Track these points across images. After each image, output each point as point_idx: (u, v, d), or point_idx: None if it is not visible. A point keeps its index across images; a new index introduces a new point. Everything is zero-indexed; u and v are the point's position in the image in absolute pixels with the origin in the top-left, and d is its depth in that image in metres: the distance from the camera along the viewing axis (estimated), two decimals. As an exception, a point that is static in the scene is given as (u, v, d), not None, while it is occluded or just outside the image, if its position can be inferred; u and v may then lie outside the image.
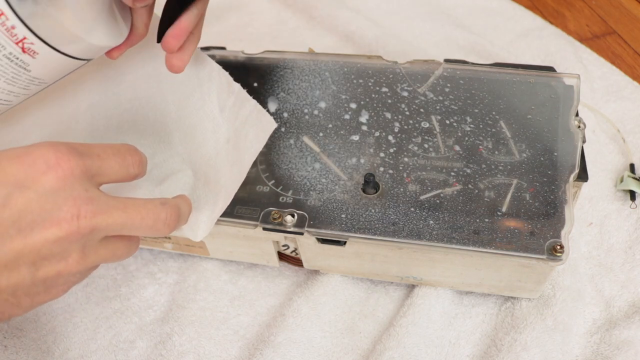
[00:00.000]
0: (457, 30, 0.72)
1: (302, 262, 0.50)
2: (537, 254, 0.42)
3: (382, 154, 0.47)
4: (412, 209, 0.44)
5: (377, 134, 0.49)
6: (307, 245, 0.46)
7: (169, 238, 0.51)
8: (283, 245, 0.49)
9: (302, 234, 0.44)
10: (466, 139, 0.48)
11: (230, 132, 0.45)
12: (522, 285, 0.46)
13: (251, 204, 0.46)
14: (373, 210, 0.45)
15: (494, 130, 0.48)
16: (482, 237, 0.43)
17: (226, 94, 0.45)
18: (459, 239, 0.43)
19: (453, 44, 0.71)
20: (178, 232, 0.42)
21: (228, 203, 0.43)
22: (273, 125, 0.44)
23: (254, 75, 0.53)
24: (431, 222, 0.44)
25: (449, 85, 0.50)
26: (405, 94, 0.50)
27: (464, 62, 0.52)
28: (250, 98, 0.45)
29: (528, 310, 0.47)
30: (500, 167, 0.46)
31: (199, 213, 0.43)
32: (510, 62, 0.52)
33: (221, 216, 0.45)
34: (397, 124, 0.49)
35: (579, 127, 0.47)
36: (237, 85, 0.45)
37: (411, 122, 0.49)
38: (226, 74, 0.45)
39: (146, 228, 0.33)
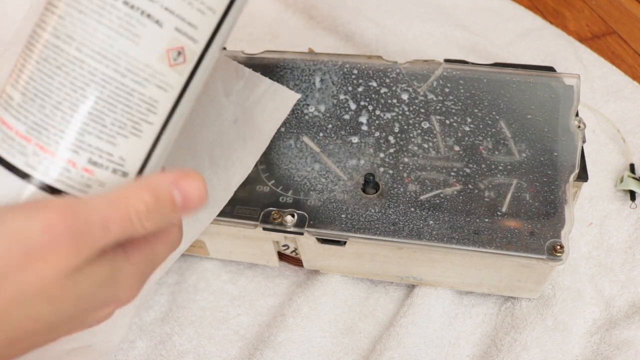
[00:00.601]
0: (457, 30, 0.71)
1: (302, 262, 0.50)
2: (537, 254, 0.42)
3: (382, 154, 0.47)
4: (412, 209, 0.44)
5: (377, 134, 0.49)
6: (307, 245, 0.46)
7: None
8: (283, 245, 0.49)
9: (302, 234, 0.44)
10: (466, 139, 0.48)
11: (239, 112, 0.46)
12: (522, 285, 0.46)
13: (251, 204, 0.46)
14: (373, 210, 0.45)
15: (494, 130, 0.48)
16: (482, 237, 0.43)
17: (234, 79, 0.47)
18: (459, 239, 0.43)
19: (453, 44, 0.71)
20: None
21: (245, 176, 0.44)
22: (295, 96, 0.46)
23: (254, 75, 0.53)
24: (431, 222, 0.44)
25: (449, 85, 0.50)
26: (405, 94, 0.50)
27: (464, 62, 0.52)
28: (264, 78, 0.47)
29: (528, 310, 0.47)
30: (500, 167, 0.46)
31: (213, 190, 0.44)
32: (510, 62, 0.52)
33: (221, 216, 0.45)
34: (397, 124, 0.49)
35: (579, 127, 0.47)
36: (248, 70, 0.47)
37: (411, 122, 0.49)
38: (234, 62, 0.47)
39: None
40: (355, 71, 0.52)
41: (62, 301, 0.27)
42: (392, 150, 0.48)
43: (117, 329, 0.44)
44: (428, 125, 0.49)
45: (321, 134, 0.49)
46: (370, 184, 0.45)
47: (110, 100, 0.29)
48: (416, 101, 0.50)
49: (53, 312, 0.27)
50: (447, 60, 0.52)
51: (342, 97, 0.51)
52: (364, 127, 0.49)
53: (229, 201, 0.45)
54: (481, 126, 0.48)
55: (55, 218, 0.26)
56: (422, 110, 0.49)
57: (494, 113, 0.49)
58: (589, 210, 0.55)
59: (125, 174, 0.31)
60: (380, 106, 0.50)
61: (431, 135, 0.48)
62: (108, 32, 0.28)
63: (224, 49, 0.56)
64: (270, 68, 0.53)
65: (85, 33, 0.28)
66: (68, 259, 0.26)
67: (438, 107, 0.49)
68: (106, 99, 0.29)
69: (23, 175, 0.29)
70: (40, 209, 0.26)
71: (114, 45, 0.28)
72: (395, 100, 0.50)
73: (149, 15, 0.29)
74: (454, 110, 0.49)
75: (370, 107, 0.50)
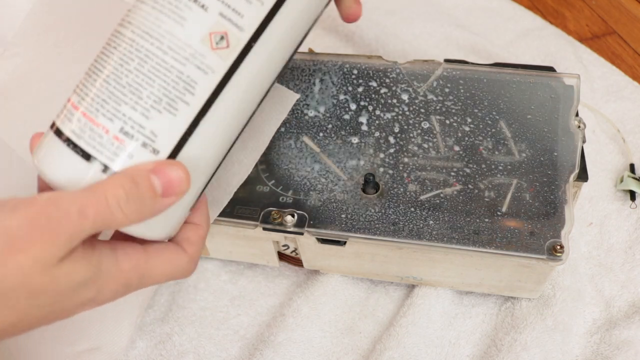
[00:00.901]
0: (457, 30, 0.71)
1: (302, 262, 0.50)
2: (537, 254, 0.42)
3: (382, 154, 0.47)
4: (412, 209, 0.44)
5: (377, 134, 0.49)
6: (307, 245, 0.46)
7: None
8: (283, 245, 0.49)
9: (302, 234, 0.44)
10: (466, 139, 0.48)
11: None
12: (522, 285, 0.46)
13: (251, 204, 0.46)
14: (373, 210, 0.45)
15: (494, 130, 0.48)
16: (482, 237, 0.43)
17: None
18: (459, 239, 0.43)
19: (453, 44, 0.71)
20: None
21: (245, 176, 0.44)
22: (295, 96, 0.45)
23: (254, 75, 0.53)
24: (431, 222, 0.44)
25: (449, 85, 0.50)
26: (405, 94, 0.50)
27: (464, 62, 0.52)
28: None
29: (528, 310, 0.47)
30: (500, 167, 0.46)
31: (213, 191, 0.44)
32: (510, 62, 0.52)
33: (221, 216, 0.45)
34: (397, 124, 0.49)
35: (579, 127, 0.47)
36: None
37: (411, 122, 0.49)
38: None
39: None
40: (355, 71, 0.52)
41: (41, 294, 0.27)
42: (392, 150, 0.48)
43: (124, 331, 0.44)
44: (428, 125, 0.49)
45: (321, 134, 0.49)
46: (370, 184, 0.45)
47: (149, 74, 0.30)
48: (416, 101, 0.50)
49: (32, 305, 0.27)
50: (447, 60, 0.52)
51: (342, 97, 0.51)
52: (364, 127, 0.49)
53: (229, 201, 0.45)
54: (481, 126, 0.48)
55: (36, 211, 0.26)
56: (422, 110, 0.49)
57: (494, 113, 0.49)
58: (589, 210, 0.55)
59: (155, 151, 0.31)
60: (380, 106, 0.50)
61: (431, 135, 0.48)
62: (158, 15, 0.31)
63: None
64: (270, 68, 0.53)
65: (139, 17, 0.31)
66: (47, 249, 0.26)
67: (438, 107, 0.49)
68: (146, 72, 0.30)
69: (58, 132, 0.31)
70: (25, 204, 0.26)
71: (161, 26, 0.30)
72: (395, 100, 0.50)
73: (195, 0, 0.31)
74: (454, 110, 0.49)
75: (370, 107, 0.50)
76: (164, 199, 0.30)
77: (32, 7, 0.51)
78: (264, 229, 0.45)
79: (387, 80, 0.51)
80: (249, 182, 0.47)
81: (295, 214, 0.45)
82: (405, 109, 0.50)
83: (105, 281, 0.29)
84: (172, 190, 0.30)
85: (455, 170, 0.46)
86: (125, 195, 0.28)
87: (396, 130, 0.49)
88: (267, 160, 0.48)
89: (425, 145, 0.48)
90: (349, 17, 0.39)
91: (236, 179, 0.45)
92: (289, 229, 0.44)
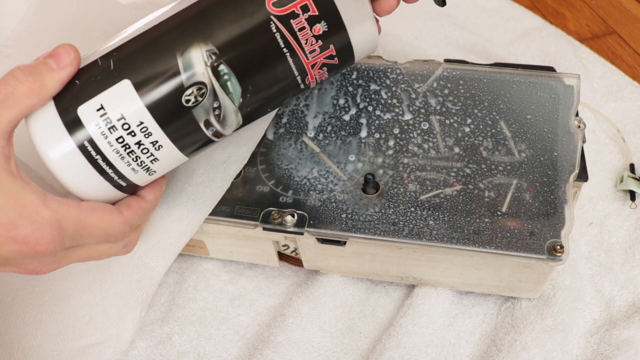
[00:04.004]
0: (457, 30, 0.71)
1: (302, 262, 0.50)
2: (537, 254, 0.42)
3: (382, 154, 0.48)
4: (412, 209, 0.44)
5: (377, 134, 0.49)
6: (307, 245, 0.46)
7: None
8: (283, 245, 0.49)
9: (302, 234, 0.44)
10: (466, 139, 0.48)
11: None
12: (522, 285, 0.46)
13: (251, 204, 0.46)
14: (373, 210, 0.45)
15: (493, 130, 0.48)
16: (482, 237, 0.43)
17: None
18: (459, 239, 0.43)
19: (453, 44, 0.71)
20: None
21: (241, 167, 0.46)
22: None
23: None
24: (431, 222, 0.44)
25: (449, 85, 0.50)
26: (405, 94, 0.50)
27: (464, 62, 0.52)
28: None
29: (528, 310, 0.47)
30: (500, 167, 0.46)
31: (211, 183, 0.45)
32: (510, 62, 0.52)
33: (221, 216, 0.45)
34: (397, 124, 0.49)
35: (579, 127, 0.47)
36: None
37: (411, 122, 0.49)
38: None
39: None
40: (355, 72, 0.52)
41: None
42: (392, 151, 0.48)
43: (127, 325, 0.44)
44: (428, 125, 0.49)
45: (321, 135, 0.49)
46: (370, 184, 0.45)
47: None
48: (416, 101, 0.50)
49: None
50: (447, 60, 0.52)
51: (342, 97, 0.51)
52: (364, 128, 0.49)
53: (229, 201, 0.45)
54: (481, 126, 0.48)
55: None
56: (422, 111, 0.49)
57: (494, 113, 0.49)
58: (589, 210, 0.55)
59: None
60: (380, 107, 0.50)
61: (431, 135, 0.48)
62: None
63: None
64: (270, 68, 0.53)
65: None
66: None
67: (438, 107, 0.49)
68: None
69: None
70: None
71: None
72: (395, 101, 0.50)
73: None
74: (454, 111, 0.49)
75: (370, 108, 0.50)
76: (60, 70, 0.33)
77: (27, 10, 0.51)
78: (264, 229, 0.45)
79: (387, 81, 0.51)
80: (249, 182, 0.47)
81: (295, 214, 0.45)
82: (405, 109, 0.50)
83: (30, 212, 0.31)
84: (62, 60, 0.34)
85: (455, 170, 0.46)
86: (21, 71, 0.32)
87: (396, 130, 0.49)
88: (267, 160, 0.48)
89: (425, 146, 0.48)
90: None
91: (232, 170, 0.45)
92: (289, 229, 0.44)
